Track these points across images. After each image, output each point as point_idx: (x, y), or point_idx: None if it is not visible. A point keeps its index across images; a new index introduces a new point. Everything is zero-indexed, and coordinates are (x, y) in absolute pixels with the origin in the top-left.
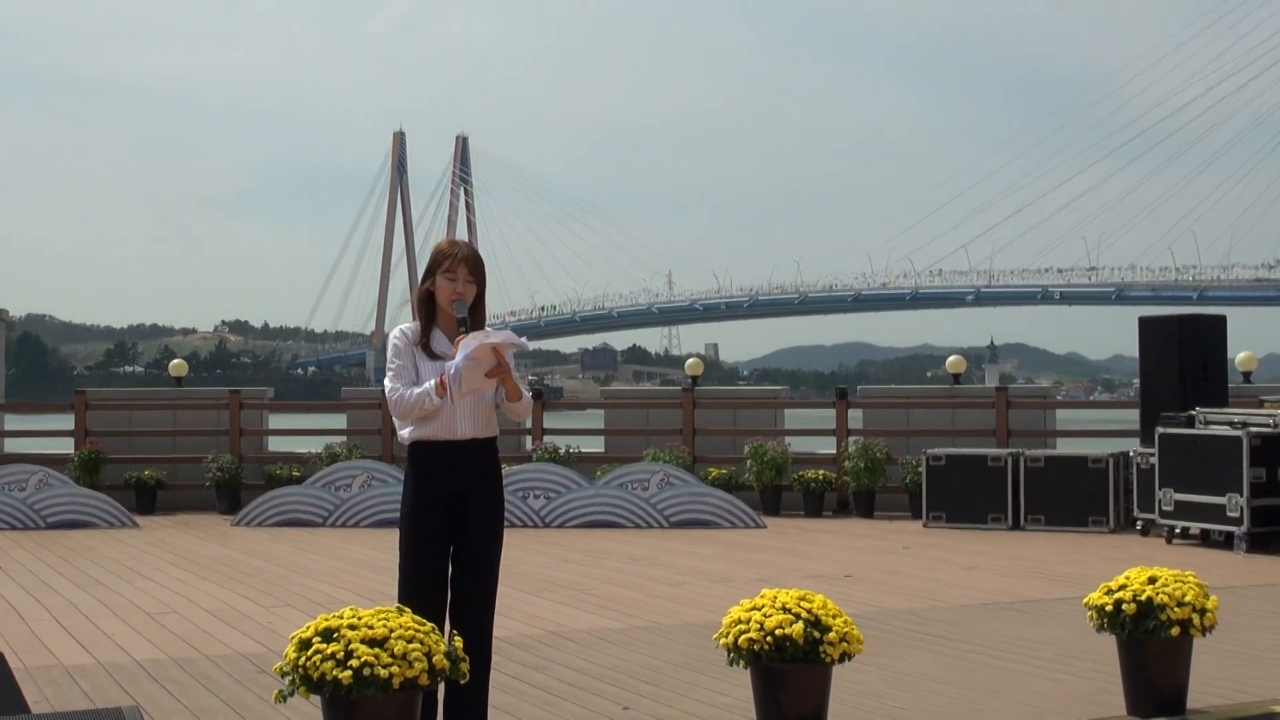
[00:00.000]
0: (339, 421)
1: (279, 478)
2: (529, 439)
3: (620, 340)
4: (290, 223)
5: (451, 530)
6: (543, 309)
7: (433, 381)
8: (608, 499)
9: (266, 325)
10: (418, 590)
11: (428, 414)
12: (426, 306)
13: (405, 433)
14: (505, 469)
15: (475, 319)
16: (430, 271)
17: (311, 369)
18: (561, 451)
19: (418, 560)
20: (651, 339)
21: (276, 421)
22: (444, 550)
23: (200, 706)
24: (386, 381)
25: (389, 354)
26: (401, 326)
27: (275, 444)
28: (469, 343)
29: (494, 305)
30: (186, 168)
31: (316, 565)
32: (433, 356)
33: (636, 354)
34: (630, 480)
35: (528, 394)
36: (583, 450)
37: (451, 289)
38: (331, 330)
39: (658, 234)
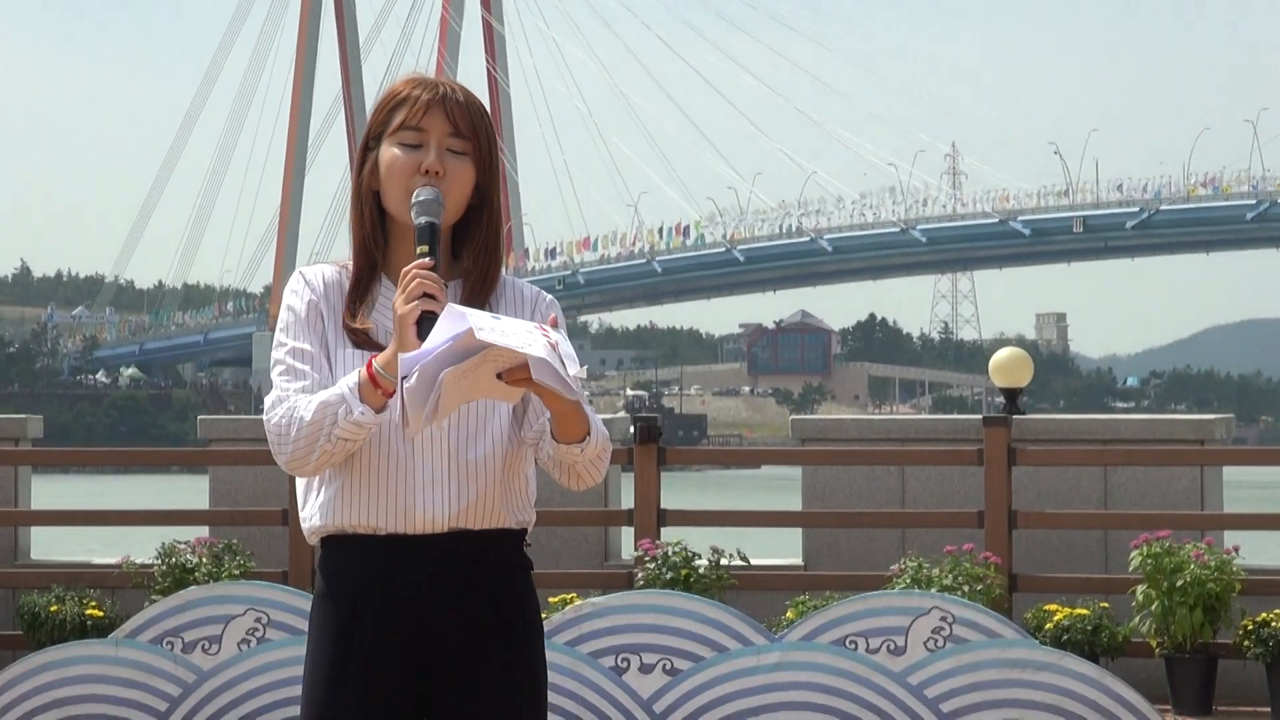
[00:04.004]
0: (193, 491)
1: (53, 622)
2: (626, 536)
3: (836, 305)
4: (85, 46)
5: None
6: (660, 234)
7: (354, 375)
8: (810, 675)
9: (27, 273)
10: None
11: (347, 452)
12: (367, 217)
13: (308, 513)
14: (574, 604)
15: (471, 248)
16: (373, 138)
17: (129, 371)
18: (701, 564)
19: None
20: (912, 301)
21: (48, 491)
22: None
23: None
24: (269, 397)
25: (278, 327)
26: (304, 270)
27: (44, 543)
28: (458, 312)
29: (557, 227)
30: None
31: None
32: (360, 340)
33: (877, 336)
34: (862, 633)
35: (600, 425)
36: (751, 562)
37: (413, 167)
38: (173, 285)
39: (919, 61)
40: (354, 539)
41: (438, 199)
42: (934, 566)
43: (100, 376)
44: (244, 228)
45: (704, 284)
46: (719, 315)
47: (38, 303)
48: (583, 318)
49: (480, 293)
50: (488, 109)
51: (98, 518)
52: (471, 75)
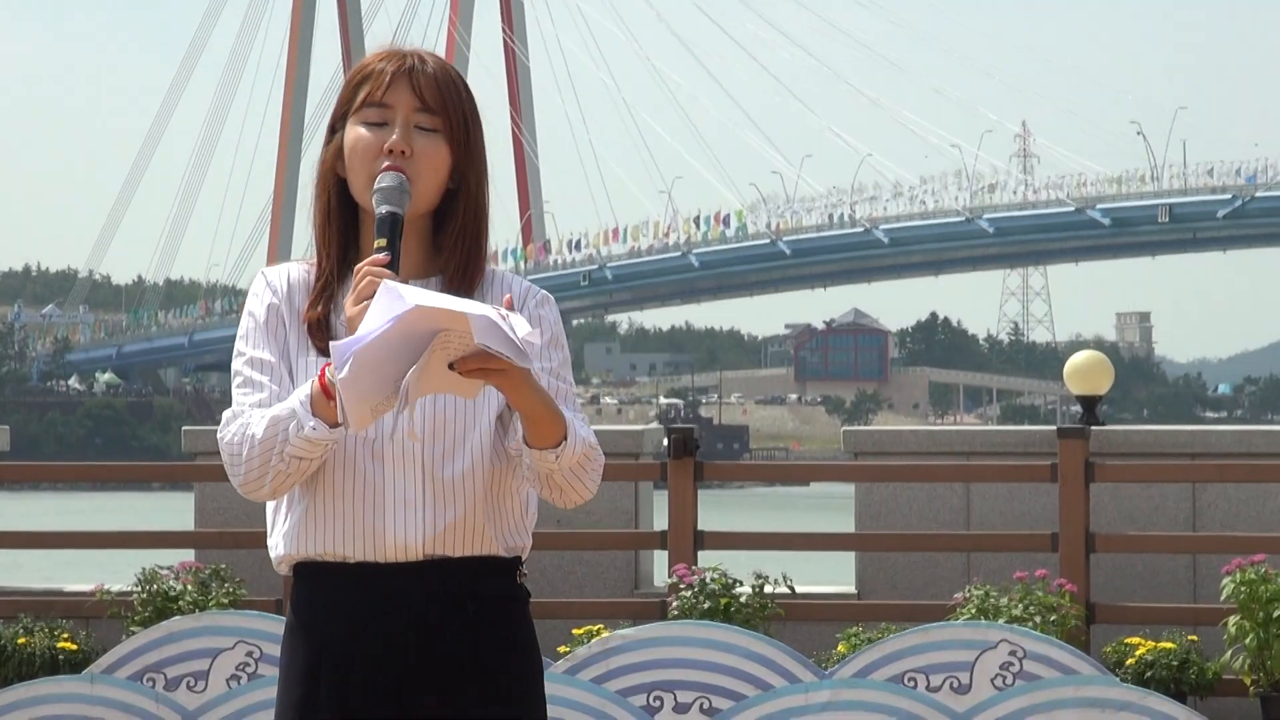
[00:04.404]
0: (177, 510)
1: (21, 656)
2: (659, 561)
3: (893, 303)
4: (54, 15)
5: None
6: (697, 224)
7: (307, 386)
8: (864, 716)
9: None
10: None
11: (304, 473)
12: (320, 206)
13: (274, 540)
14: (600, 637)
15: (449, 238)
16: (339, 118)
17: (105, 376)
18: (743, 592)
19: None
20: (978, 299)
21: (14, 509)
22: None
23: None
24: (225, 413)
25: (238, 335)
26: (266, 271)
27: (10, 567)
28: (395, 290)
29: (582, 216)
30: None
31: None
32: (325, 345)
33: (939, 337)
34: (922, 669)
35: (582, 429)
36: (799, 590)
37: (377, 148)
38: (154, 281)
39: (986, 31)
40: (322, 568)
41: (402, 185)
42: (1002, 595)
43: (73, 382)
44: (233, 217)
45: (746, 279)
46: (762, 314)
47: (3, 300)
48: (611, 317)
49: (460, 289)
50: (466, 80)
51: (70, 540)
52: (487, 47)
